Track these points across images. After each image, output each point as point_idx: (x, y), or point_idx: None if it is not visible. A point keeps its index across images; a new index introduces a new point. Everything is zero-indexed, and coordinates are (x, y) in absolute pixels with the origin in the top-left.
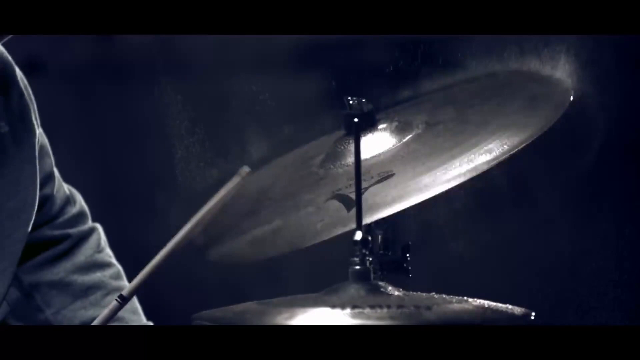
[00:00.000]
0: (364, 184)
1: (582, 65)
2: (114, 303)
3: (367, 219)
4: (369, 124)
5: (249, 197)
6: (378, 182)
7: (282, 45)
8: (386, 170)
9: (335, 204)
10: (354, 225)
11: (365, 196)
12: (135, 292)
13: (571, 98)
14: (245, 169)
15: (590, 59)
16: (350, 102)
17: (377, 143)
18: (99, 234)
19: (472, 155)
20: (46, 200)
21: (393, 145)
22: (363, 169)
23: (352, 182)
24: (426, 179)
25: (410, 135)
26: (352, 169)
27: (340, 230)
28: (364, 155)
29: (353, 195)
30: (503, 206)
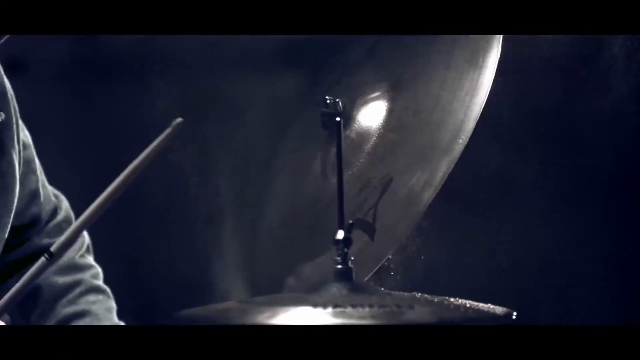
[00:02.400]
0: (371, 199)
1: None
2: (41, 259)
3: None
4: (346, 122)
5: (276, 231)
6: (382, 193)
7: (266, 45)
8: (382, 175)
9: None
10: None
11: (380, 214)
12: (64, 248)
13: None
14: (177, 120)
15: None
16: (328, 101)
17: (359, 137)
18: (84, 238)
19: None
20: (34, 219)
21: (376, 136)
22: (363, 179)
23: (364, 197)
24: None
25: (387, 113)
26: (353, 177)
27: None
28: (352, 156)
29: (369, 216)
30: (485, 206)
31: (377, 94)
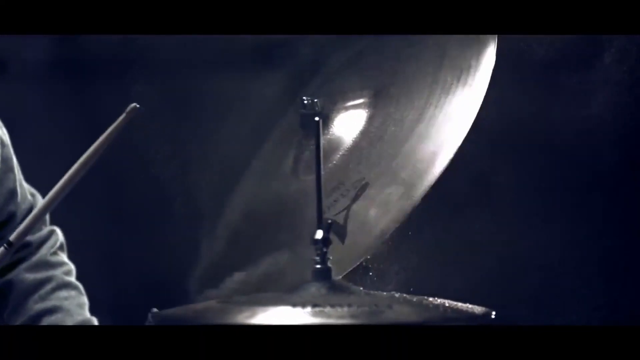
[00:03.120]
0: (342, 201)
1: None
2: (1, 249)
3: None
4: (325, 122)
5: (234, 226)
6: (355, 198)
7: (244, 45)
8: (357, 178)
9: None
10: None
11: (351, 215)
12: (22, 236)
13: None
14: (132, 106)
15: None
16: (306, 101)
17: (337, 139)
18: (57, 236)
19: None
20: (10, 217)
21: (353, 140)
22: (335, 180)
23: (335, 198)
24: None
25: (367, 118)
26: (325, 177)
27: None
28: (328, 158)
29: (341, 219)
30: (464, 206)
31: (359, 100)
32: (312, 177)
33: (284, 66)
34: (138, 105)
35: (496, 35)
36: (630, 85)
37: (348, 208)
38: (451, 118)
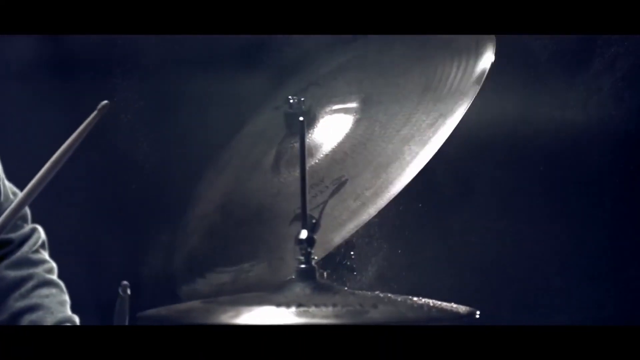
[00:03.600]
0: (320, 197)
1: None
2: None
3: (337, 240)
4: (311, 121)
5: (212, 217)
6: (333, 193)
7: (227, 45)
8: (337, 175)
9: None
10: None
11: (327, 211)
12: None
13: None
14: (103, 103)
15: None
16: (291, 101)
17: (321, 140)
18: (39, 234)
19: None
20: None
21: (337, 142)
22: (315, 178)
23: (313, 194)
24: (379, 182)
25: (353, 122)
26: (310, 173)
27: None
28: (311, 157)
29: (315, 212)
30: (448, 206)
31: (346, 104)
32: (292, 175)
33: (267, 67)
34: (108, 102)
35: (491, 47)
36: (616, 87)
37: (324, 203)
38: (437, 122)
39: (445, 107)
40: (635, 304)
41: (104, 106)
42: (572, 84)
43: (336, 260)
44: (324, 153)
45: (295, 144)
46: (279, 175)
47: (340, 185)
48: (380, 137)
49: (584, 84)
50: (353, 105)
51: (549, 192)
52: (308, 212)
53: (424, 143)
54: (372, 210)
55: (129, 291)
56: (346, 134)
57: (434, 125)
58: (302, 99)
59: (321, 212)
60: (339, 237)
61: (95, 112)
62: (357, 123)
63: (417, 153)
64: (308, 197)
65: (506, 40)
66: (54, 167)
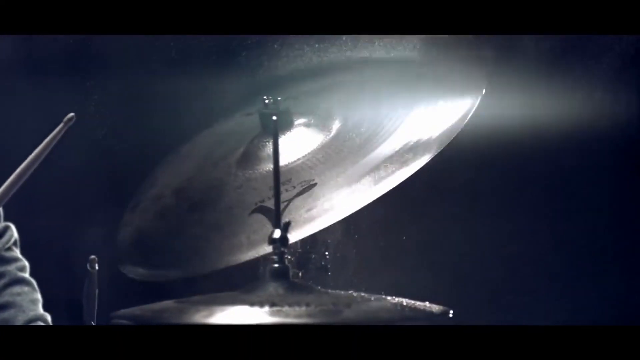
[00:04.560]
0: (285, 195)
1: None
2: None
3: (292, 238)
4: (286, 123)
5: (166, 199)
6: (300, 193)
7: (202, 45)
8: (307, 179)
9: (260, 217)
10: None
11: (289, 208)
12: None
13: (483, 91)
14: (69, 116)
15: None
16: (267, 101)
17: (294, 144)
18: (11, 232)
19: (391, 165)
20: None
21: (311, 149)
22: (283, 177)
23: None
24: (349, 190)
25: (329, 136)
26: (272, 175)
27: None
28: (283, 159)
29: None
30: (421, 206)
31: (324, 121)
32: (259, 171)
33: (243, 68)
34: (74, 114)
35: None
36: (607, 87)
37: (289, 201)
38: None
39: (426, 142)
40: (613, 305)
41: (70, 118)
42: (577, 83)
43: (311, 260)
44: (296, 157)
45: (267, 143)
46: (245, 170)
47: (308, 187)
48: (356, 151)
49: (589, 84)
50: (331, 122)
51: (523, 190)
52: (270, 207)
53: (402, 163)
54: (332, 216)
55: (97, 266)
56: (321, 144)
57: (413, 150)
58: (279, 98)
59: (284, 209)
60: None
61: (61, 125)
62: (333, 137)
63: (392, 171)
64: (271, 192)
65: (506, 41)
66: (20, 179)
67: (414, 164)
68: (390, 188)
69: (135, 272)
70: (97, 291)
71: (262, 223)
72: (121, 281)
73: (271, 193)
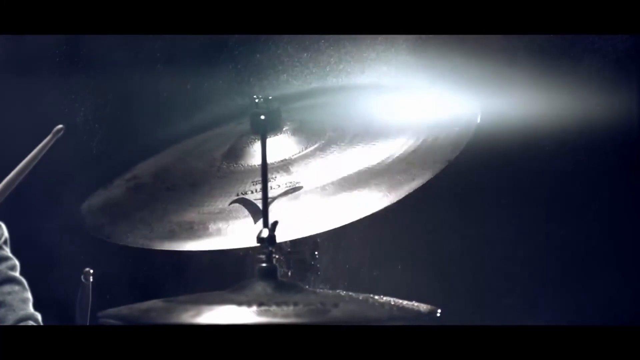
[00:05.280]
0: (269, 192)
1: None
2: None
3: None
4: (275, 124)
5: (143, 179)
6: (285, 193)
7: (189, 43)
8: (293, 180)
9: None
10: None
11: (272, 207)
12: None
13: (478, 119)
14: (57, 127)
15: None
16: (257, 100)
17: (283, 145)
18: (1, 231)
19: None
20: None
21: (300, 151)
22: (269, 176)
23: (258, 182)
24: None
25: (317, 144)
26: (257, 170)
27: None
28: (269, 157)
29: (259, 202)
30: (409, 206)
31: (317, 138)
32: (244, 165)
33: (231, 68)
34: (63, 126)
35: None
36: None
37: (274, 199)
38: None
39: (420, 167)
40: (601, 306)
41: (58, 130)
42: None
43: (300, 259)
44: (283, 157)
45: (256, 140)
46: (230, 164)
47: (293, 189)
48: (346, 165)
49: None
50: (323, 138)
51: (510, 189)
52: (254, 198)
53: (393, 185)
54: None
55: (91, 278)
56: (311, 151)
57: (407, 172)
58: (270, 97)
59: (267, 204)
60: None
61: (49, 136)
62: (325, 148)
63: (382, 193)
64: (254, 187)
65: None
66: (6, 190)
67: (406, 187)
68: (377, 210)
69: (101, 232)
70: (90, 303)
71: (242, 212)
72: (109, 280)
73: (255, 187)
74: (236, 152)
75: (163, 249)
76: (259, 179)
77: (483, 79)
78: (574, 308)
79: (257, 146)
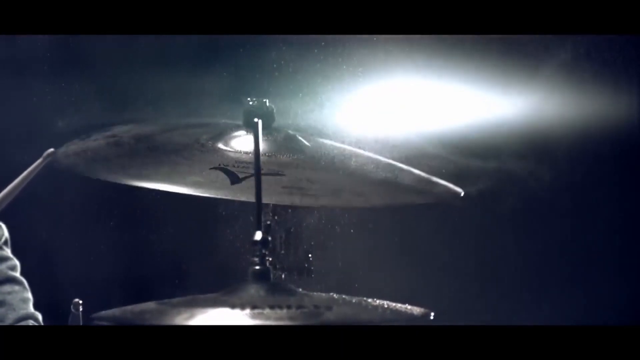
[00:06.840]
0: (250, 171)
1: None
2: None
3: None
4: (269, 124)
5: (124, 139)
6: (267, 174)
7: (182, 44)
8: (276, 168)
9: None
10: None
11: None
12: None
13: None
14: (49, 151)
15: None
16: (251, 102)
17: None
18: (2, 231)
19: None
20: None
21: (288, 157)
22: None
23: (241, 166)
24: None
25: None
26: (242, 156)
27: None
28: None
29: (240, 175)
30: (402, 208)
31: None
32: (229, 148)
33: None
34: (54, 149)
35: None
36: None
37: (252, 175)
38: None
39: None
40: (601, 306)
41: (49, 154)
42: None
43: (293, 262)
44: (272, 153)
45: (247, 131)
46: (215, 144)
47: (273, 174)
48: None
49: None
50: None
51: (503, 194)
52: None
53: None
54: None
55: (81, 308)
56: (301, 153)
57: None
58: (264, 100)
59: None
60: None
61: (40, 160)
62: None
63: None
64: (236, 168)
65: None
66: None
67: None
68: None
69: (75, 169)
70: None
71: (221, 177)
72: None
73: (237, 168)
74: (223, 136)
75: (134, 184)
76: (244, 163)
77: (483, 81)
78: (574, 308)
79: (247, 136)
